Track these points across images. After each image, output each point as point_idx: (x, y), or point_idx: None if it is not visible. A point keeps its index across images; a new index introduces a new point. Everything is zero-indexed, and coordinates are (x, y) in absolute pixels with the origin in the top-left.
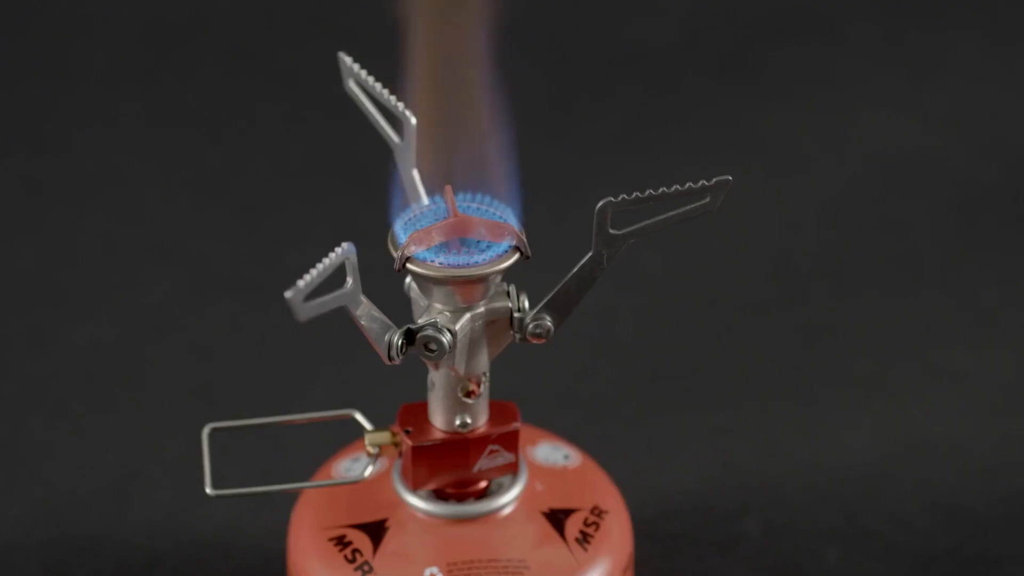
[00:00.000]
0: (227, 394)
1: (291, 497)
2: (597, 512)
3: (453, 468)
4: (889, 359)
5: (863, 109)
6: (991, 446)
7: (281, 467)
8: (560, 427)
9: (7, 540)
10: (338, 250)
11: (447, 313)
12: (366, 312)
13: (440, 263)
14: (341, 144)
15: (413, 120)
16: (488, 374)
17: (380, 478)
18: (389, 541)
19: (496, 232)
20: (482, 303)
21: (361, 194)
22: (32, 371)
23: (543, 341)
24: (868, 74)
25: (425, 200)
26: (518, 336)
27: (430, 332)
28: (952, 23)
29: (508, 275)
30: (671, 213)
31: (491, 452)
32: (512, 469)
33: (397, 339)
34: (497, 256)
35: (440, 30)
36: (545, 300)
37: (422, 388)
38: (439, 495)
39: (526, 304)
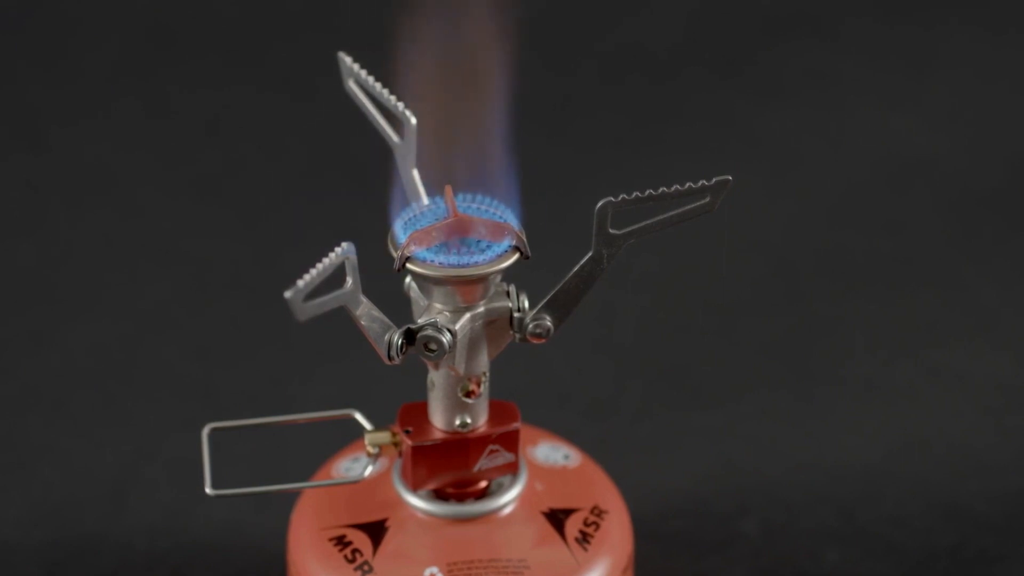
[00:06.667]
0: (227, 394)
1: (291, 497)
2: (597, 512)
3: (453, 468)
4: (889, 359)
5: (864, 108)
6: (990, 446)
7: (281, 467)
8: (560, 427)
9: (7, 540)
10: (338, 250)
11: (447, 313)
12: (366, 312)
13: (440, 263)
14: (341, 144)
15: (413, 120)
16: (488, 374)
17: (380, 478)
18: (389, 541)
19: (496, 232)
20: (482, 303)
21: (361, 194)
22: (32, 371)
23: (543, 341)
24: (870, 74)
25: (425, 200)
26: (518, 336)
27: (430, 332)
28: (954, 22)
29: (508, 275)
30: (671, 213)
31: (491, 452)
32: (512, 469)
33: (397, 339)
34: (497, 256)
35: (446, 30)
36: (545, 300)
37: (422, 388)
38: (439, 495)
39: (526, 304)
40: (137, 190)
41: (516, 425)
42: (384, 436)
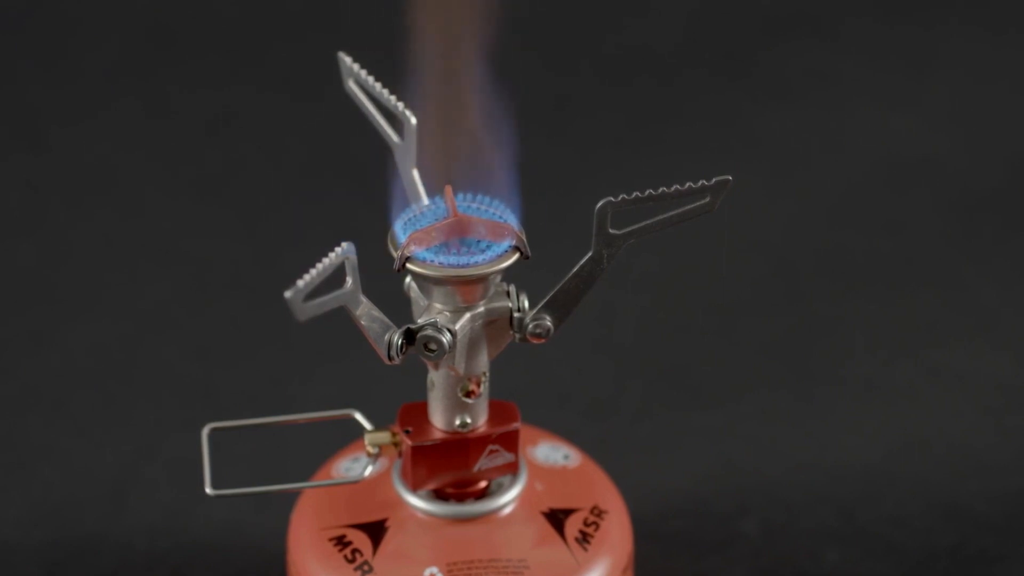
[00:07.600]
0: (227, 394)
1: (291, 497)
2: (597, 512)
3: (453, 468)
4: (889, 359)
5: (864, 108)
6: (990, 446)
7: (281, 467)
8: (560, 427)
9: (7, 540)
10: (338, 250)
11: (447, 313)
12: (366, 312)
13: (440, 263)
14: (341, 144)
15: (413, 120)
16: (488, 374)
17: (380, 478)
18: (389, 541)
19: (496, 232)
20: (482, 303)
21: (361, 194)
22: (32, 371)
23: (543, 341)
24: (870, 74)
25: (425, 200)
26: (518, 336)
27: (430, 332)
28: (954, 22)
29: (508, 275)
30: (671, 213)
31: (491, 452)
32: (512, 469)
33: (397, 339)
34: (497, 256)
35: (443, 29)
36: (545, 300)
37: (422, 388)
38: (439, 495)
39: (526, 304)
40: (137, 190)
41: (516, 425)
42: (384, 436)
